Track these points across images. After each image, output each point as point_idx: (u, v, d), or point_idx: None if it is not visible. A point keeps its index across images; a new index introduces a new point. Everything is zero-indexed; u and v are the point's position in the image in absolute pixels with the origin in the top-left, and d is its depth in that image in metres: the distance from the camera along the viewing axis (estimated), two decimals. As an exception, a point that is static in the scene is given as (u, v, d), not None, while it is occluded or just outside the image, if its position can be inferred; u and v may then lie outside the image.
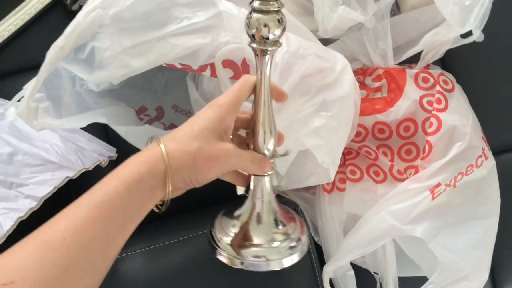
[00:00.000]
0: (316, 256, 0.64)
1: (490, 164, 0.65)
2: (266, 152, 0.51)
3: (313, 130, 0.58)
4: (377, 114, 0.67)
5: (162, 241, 0.61)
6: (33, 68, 0.76)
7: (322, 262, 0.66)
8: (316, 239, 0.72)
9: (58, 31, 0.53)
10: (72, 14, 0.77)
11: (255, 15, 0.45)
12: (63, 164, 0.57)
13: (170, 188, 0.43)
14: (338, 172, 0.69)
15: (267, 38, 0.46)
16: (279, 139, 0.52)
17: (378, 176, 0.68)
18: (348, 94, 0.59)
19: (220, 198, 0.68)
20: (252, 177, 0.52)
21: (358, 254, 0.62)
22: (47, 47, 0.57)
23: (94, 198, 0.40)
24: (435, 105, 0.64)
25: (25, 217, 0.51)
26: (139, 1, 0.53)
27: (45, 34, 0.76)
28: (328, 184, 0.69)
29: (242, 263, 0.51)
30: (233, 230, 0.53)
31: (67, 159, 0.58)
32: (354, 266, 0.67)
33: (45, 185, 0.54)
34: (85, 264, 0.38)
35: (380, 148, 0.68)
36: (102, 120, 0.61)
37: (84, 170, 0.59)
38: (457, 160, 0.62)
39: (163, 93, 0.75)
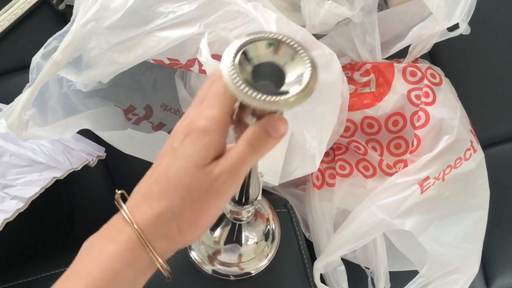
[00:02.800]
0: (307, 252, 0.64)
1: (478, 157, 0.65)
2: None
3: (306, 110, 0.56)
4: (366, 109, 0.67)
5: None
6: (20, 68, 0.75)
7: (313, 258, 0.66)
8: (306, 235, 0.72)
9: (45, 31, 0.53)
10: (58, 14, 0.76)
11: None
12: (50, 165, 0.57)
13: (167, 269, 0.35)
14: (327, 168, 0.69)
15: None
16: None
17: (367, 171, 0.68)
18: (336, 81, 0.58)
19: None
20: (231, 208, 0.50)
21: (348, 249, 0.62)
22: (34, 47, 0.56)
23: None
24: (423, 98, 0.64)
25: (11, 219, 0.51)
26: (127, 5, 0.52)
27: (32, 35, 0.76)
28: (318, 179, 0.69)
29: (214, 271, 0.56)
30: (211, 246, 0.56)
31: (54, 159, 0.58)
32: (345, 261, 0.67)
33: (32, 186, 0.54)
34: None
35: (369, 143, 0.68)
36: (86, 125, 0.60)
37: (72, 170, 0.59)
38: (446, 153, 0.62)
39: (151, 92, 0.75)
